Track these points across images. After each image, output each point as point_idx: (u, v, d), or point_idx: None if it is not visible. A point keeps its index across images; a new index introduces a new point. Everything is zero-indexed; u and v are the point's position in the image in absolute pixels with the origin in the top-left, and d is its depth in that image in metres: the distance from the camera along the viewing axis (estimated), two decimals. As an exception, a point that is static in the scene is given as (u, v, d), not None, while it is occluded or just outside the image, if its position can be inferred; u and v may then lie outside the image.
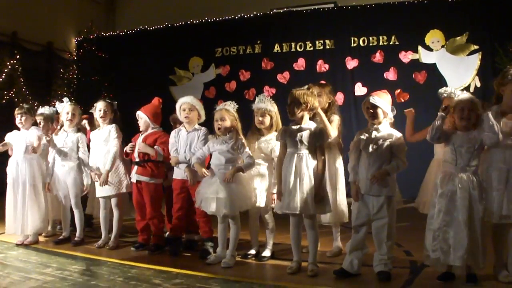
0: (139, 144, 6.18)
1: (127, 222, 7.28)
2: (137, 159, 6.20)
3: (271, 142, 5.61)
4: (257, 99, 5.72)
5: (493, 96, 4.88)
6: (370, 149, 4.84)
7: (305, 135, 5.00)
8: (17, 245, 6.42)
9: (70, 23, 14.34)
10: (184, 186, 5.96)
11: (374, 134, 4.88)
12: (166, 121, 6.79)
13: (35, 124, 6.80)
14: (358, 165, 5.00)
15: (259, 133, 5.73)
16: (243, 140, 5.49)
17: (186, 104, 6.01)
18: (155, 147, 6.12)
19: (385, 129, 4.91)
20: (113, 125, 6.45)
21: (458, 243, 4.42)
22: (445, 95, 5.59)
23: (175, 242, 6.09)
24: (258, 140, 5.68)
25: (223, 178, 5.32)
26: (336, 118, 5.72)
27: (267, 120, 5.64)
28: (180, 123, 6.23)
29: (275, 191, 5.38)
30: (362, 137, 4.94)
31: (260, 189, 5.61)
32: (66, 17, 14.22)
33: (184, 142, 5.99)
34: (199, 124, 6.09)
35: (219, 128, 5.51)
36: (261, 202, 5.60)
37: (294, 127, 5.09)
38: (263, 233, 5.84)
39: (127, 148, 6.24)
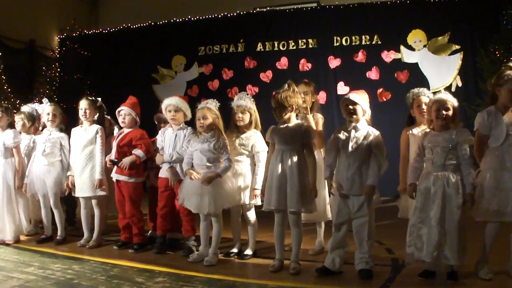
0: (124, 163, 6.16)
1: (110, 220, 7.26)
2: (114, 159, 6.19)
3: (251, 138, 5.66)
4: (236, 97, 5.77)
5: (487, 96, 4.95)
6: (350, 148, 4.87)
7: (292, 133, 5.04)
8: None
9: (53, 21, 14.25)
10: (168, 184, 5.96)
11: (353, 133, 4.91)
12: (149, 119, 6.77)
13: (12, 124, 6.74)
14: (336, 163, 5.03)
15: (238, 130, 5.75)
16: (226, 140, 5.50)
17: (171, 106, 6.00)
18: (133, 151, 6.12)
19: (364, 127, 4.94)
20: (99, 128, 6.40)
21: (430, 239, 4.51)
22: (411, 100, 5.60)
23: (160, 240, 6.09)
24: (238, 137, 5.71)
25: (201, 180, 5.34)
26: (320, 117, 5.78)
27: (246, 117, 5.67)
28: (165, 122, 6.24)
29: (257, 186, 5.42)
30: (341, 136, 4.96)
31: (242, 186, 5.63)
32: (48, 14, 14.13)
33: (170, 141, 6.01)
34: (185, 123, 6.10)
35: (201, 126, 5.53)
36: (244, 199, 5.62)
37: (281, 126, 5.13)
38: (246, 231, 5.85)
39: (108, 163, 6.26)
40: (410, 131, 5.41)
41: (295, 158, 4.99)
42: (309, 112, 5.64)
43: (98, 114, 6.53)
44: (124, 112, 6.26)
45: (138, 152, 6.08)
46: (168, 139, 6.03)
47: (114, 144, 6.25)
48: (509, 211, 4.45)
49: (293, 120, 5.14)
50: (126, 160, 6.09)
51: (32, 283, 4.80)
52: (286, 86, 5.12)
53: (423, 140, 4.78)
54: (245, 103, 5.65)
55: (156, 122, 6.67)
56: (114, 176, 6.23)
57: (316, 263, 5.20)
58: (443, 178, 4.55)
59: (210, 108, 5.56)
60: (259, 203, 5.58)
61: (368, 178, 4.82)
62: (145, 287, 4.67)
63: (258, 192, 5.52)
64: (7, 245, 6.37)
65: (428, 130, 4.84)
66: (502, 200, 4.49)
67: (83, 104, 6.40)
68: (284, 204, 4.97)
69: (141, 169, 6.30)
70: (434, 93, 5.14)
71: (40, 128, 6.81)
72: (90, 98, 6.51)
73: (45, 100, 6.74)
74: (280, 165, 5.02)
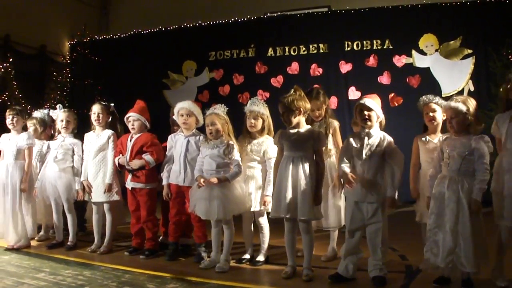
0: (132, 165, 6.16)
1: (121, 227, 7.24)
2: (130, 168, 6.17)
3: (263, 144, 5.62)
4: (249, 102, 5.70)
5: (501, 102, 4.89)
6: (364, 156, 4.83)
7: (302, 139, 4.99)
8: (7, 249, 6.39)
9: (64, 26, 14.27)
10: (180, 190, 5.94)
11: (366, 140, 4.86)
12: (162, 124, 6.73)
13: (26, 127, 6.74)
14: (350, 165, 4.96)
15: (251, 136, 5.71)
16: (235, 145, 5.47)
17: (184, 109, 5.97)
18: (143, 156, 6.09)
19: (377, 133, 4.89)
20: (111, 133, 6.42)
21: (444, 245, 4.45)
22: (421, 102, 5.54)
23: (172, 247, 6.06)
24: (250, 143, 5.66)
25: (209, 179, 5.32)
26: (336, 124, 5.74)
27: (259, 123, 5.63)
28: (179, 125, 6.21)
29: (268, 193, 5.38)
30: (355, 145, 4.91)
31: (253, 192, 5.59)
32: (59, 20, 14.15)
33: (181, 147, 5.97)
34: (197, 129, 6.08)
35: (210, 133, 5.50)
36: (255, 205, 5.58)
37: (291, 131, 5.06)
38: (258, 237, 5.81)
39: (120, 160, 6.22)
40: (420, 139, 5.35)
41: (306, 166, 4.93)
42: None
43: (110, 119, 6.52)
44: (133, 118, 6.24)
45: (148, 157, 6.05)
46: (180, 145, 5.99)
47: (128, 149, 6.22)
48: None
49: (303, 124, 5.09)
50: (136, 163, 6.07)
51: (43, 289, 4.78)
52: (292, 91, 5.08)
53: (443, 144, 4.71)
54: (258, 108, 5.60)
55: (171, 124, 6.63)
56: (130, 184, 6.21)
57: (329, 270, 5.15)
58: (457, 183, 4.48)
59: (218, 114, 5.52)
60: (270, 210, 5.54)
61: (386, 190, 4.78)
62: (156, 294, 4.65)
63: (269, 199, 5.46)
64: (17, 250, 6.36)
65: (448, 135, 4.77)
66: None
67: (96, 108, 6.40)
68: (294, 213, 4.91)
69: (155, 175, 6.26)
70: (446, 98, 5.07)
71: (56, 134, 6.77)
72: (103, 103, 6.50)
73: (59, 106, 6.73)
74: (290, 172, 4.95)
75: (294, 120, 5.01)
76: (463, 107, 4.52)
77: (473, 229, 4.39)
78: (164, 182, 6.07)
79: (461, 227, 4.42)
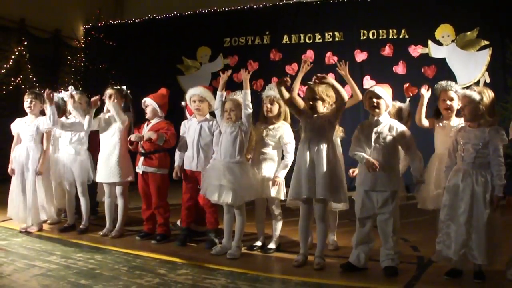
0: (145, 134, 6.15)
1: (132, 211, 7.25)
2: (143, 151, 6.17)
3: (279, 130, 5.61)
4: (267, 88, 5.73)
5: None
6: (372, 144, 4.81)
7: (321, 122, 4.96)
8: (21, 232, 6.42)
9: (78, 11, 14.26)
10: (192, 176, 5.94)
11: (376, 128, 4.84)
12: (173, 110, 6.73)
13: (43, 111, 6.76)
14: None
15: (267, 122, 5.69)
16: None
17: (196, 96, 5.99)
18: (157, 132, 6.07)
19: (386, 120, 4.87)
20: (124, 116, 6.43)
21: (457, 237, 4.43)
22: (439, 87, 5.44)
23: (184, 232, 6.07)
24: (266, 128, 5.64)
25: None
26: None
27: (275, 108, 5.62)
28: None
29: (279, 175, 5.44)
30: (364, 133, 4.89)
31: (266, 178, 5.58)
32: (74, 4, 14.11)
33: (194, 132, 5.98)
34: (210, 114, 6.08)
35: (229, 118, 5.50)
36: (269, 192, 5.56)
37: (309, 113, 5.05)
38: (270, 225, 5.80)
39: (132, 137, 6.18)
40: (439, 124, 5.29)
41: (323, 148, 4.91)
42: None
43: (124, 102, 6.51)
44: (146, 103, 6.27)
45: (160, 133, 6.02)
46: (193, 131, 5.99)
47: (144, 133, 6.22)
48: None
49: (321, 109, 5.04)
50: (148, 134, 6.05)
51: (54, 272, 4.80)
52: (314, 78, 5.04)
53: (457, 135, 4.67)
54: (274, 93, 5.56)
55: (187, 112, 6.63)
56: (141, 168, 6.21)
57: (341, 259, 5.14)
58: (472, 176, 4.45)
59: (237, 100, 5.51)
60: (281, 194, 5.53)
61: (413, 177, 4.78)
62: (167, 279, 4.64)
63: (279, 179, 5.48)
64: (29, 233, 6.39)
65: (463, 125, 4.73)
66: None
67: (109, 91, 6.39)
68: (313, 193, 4.89)
69: (168, 160, 6.27)
70: (464, 87, 5.02)
71: (67, 115, 6.77)
72: (116, 87, 6.49)
73: (70, 87, 6.72)
74: (308, 155, 4.93)
75: (321, 109, 5.00)
76: (476, 96, 4.46)
77: (488, 222, 4.35)
78: (176, 164, 6.08)
79: (475, 220, 4.40)
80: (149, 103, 6.23)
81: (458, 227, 4.43)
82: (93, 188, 6.92)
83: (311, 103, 5.00)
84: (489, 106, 4.50)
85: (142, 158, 6.19)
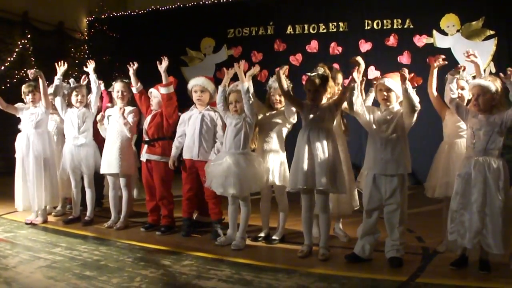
0: (146, 123, 6.21)
1: (137, 202, 7.25)
2: (146, 138, 6.18)
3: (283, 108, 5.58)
4: (272, 78, 5.67)
5: None
6: (382, 132, 4.78)
7: (321, 113, 4.95)
8: (26, 224, 6.42)
9: (82, 3, 14.27)
10: (193, 165, 5.93)
11: (386, 117, 4.82)
12: (180, 100, 6.71)
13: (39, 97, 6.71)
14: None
15: (272, 110, 5.69)
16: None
17: (198, 86, 5.98)
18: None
19: (396, 109, 4.86)
20: (133, 109, 6.46)
21: (471, 226, 4.38)
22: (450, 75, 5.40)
23: (186, 223, 6.06)
24: (271, 114, 5.65)
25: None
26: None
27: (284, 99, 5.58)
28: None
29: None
30: (375, 118, 4.87)
31: (273, 166, 5.55)
32: (77, -4, 14.15)
33: (195, 120, 5.95)
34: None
35: (235, 110, 5.50)
36: (275, 179, 5.53)
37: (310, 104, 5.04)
38: (275, 216, 5.80)
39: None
40: (448, 112, 5.24)
41: (322, 137, 4.91)
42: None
43: (132, 95, 6.51)
44: (152, 94, 6.31)
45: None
46: (194, 120, 5.97)
47: (147, 121, 6.27)
48: None
49: (323, 99, 5.06)
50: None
51: (59, 263, 4.80)
52: (319, 68, 5.02)
53: (469, 122, 4.63)
54: None
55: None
56: (145, 156, 6.22)
57: (346, 250, 5.13)
58: (484, 163, 4.42)
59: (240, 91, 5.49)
60: (287, 182, 5.44)
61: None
62: (172, 270, 4.63)
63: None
64: (34, 225, 6.39)
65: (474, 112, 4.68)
66: None
67: (118, 86, 6.44)
68: (312, 183, 4.87)
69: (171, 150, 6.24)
70: (474, 77, 4.98)
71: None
72: (125, 81, 6.48)
73: (72, 81, 6.74)
74: (306, 145, 4.91)
75: (323, 99, 5.01)
76: (493, 87, 4.45)
77: (502, 210, 4.32)
78: (172, 154, 6.04)
79: (488, 208, 4.36)
80: (155, 95, 6.26)
81: (472, 216, 4.39)
82: (100, 180, 6.92)
83: (312, 94, 4.99)
84: (502, 96, 4.51)
85: (145, 146, 6.22)
